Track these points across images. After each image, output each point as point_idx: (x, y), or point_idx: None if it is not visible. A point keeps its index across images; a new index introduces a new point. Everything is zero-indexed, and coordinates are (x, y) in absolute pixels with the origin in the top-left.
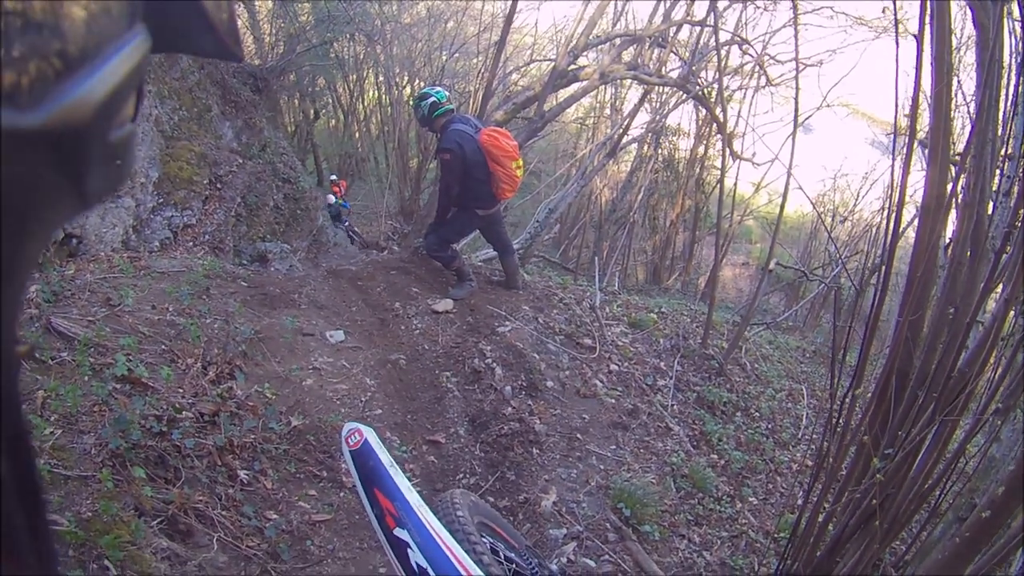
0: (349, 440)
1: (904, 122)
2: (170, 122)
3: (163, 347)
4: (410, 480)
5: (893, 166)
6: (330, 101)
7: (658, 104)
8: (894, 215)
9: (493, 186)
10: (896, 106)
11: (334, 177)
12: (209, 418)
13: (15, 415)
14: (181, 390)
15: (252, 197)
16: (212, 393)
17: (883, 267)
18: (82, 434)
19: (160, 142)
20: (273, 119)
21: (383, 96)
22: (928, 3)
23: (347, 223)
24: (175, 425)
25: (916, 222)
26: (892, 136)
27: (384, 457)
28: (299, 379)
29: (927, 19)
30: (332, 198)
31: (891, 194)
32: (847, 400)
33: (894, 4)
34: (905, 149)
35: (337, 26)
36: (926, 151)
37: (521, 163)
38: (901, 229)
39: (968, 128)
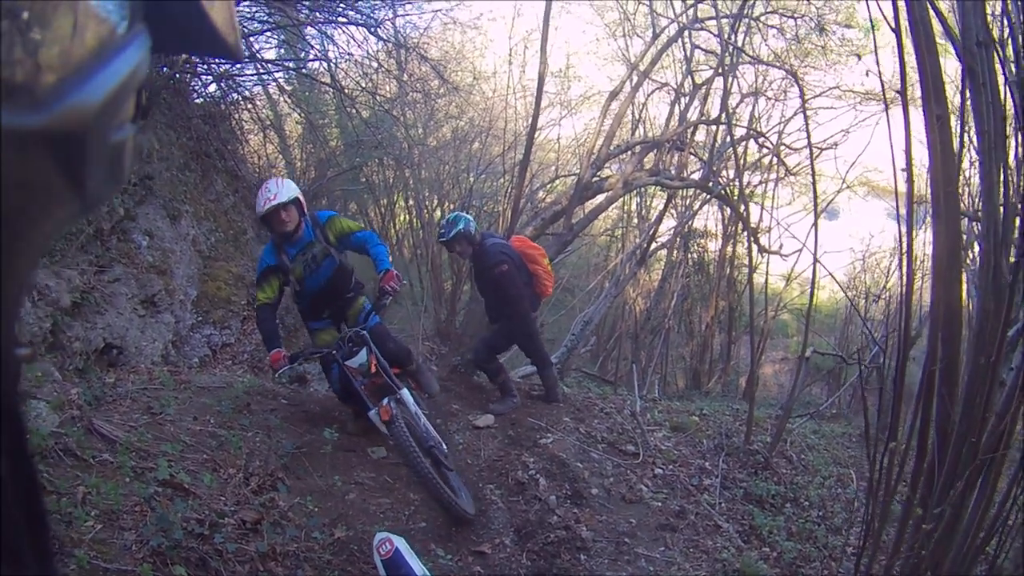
0: (380, 549)
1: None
2: (207, 243)
3: (205, 456)
4: None
5: (899, 229)
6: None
7: (683, 208)
8: (906, 274)
9: (536, 287)
10: (894, 169)
11: None
12: (251, 526)
13: (15, 417)
14: (223, 497)
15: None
16: (254, 502)
17: (901, 325)
18: (123, 530)
19: (198, 262)
20: None
21: (414, 219)
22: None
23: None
24: (217, 529)
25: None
26: (898, 201)
27: (416, 565)
28: (342, 492)
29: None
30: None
31: (900, 254)
32: (884, 456)
33: (878, 65)
34: (907, 209)
35: (365, 151)
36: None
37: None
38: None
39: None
